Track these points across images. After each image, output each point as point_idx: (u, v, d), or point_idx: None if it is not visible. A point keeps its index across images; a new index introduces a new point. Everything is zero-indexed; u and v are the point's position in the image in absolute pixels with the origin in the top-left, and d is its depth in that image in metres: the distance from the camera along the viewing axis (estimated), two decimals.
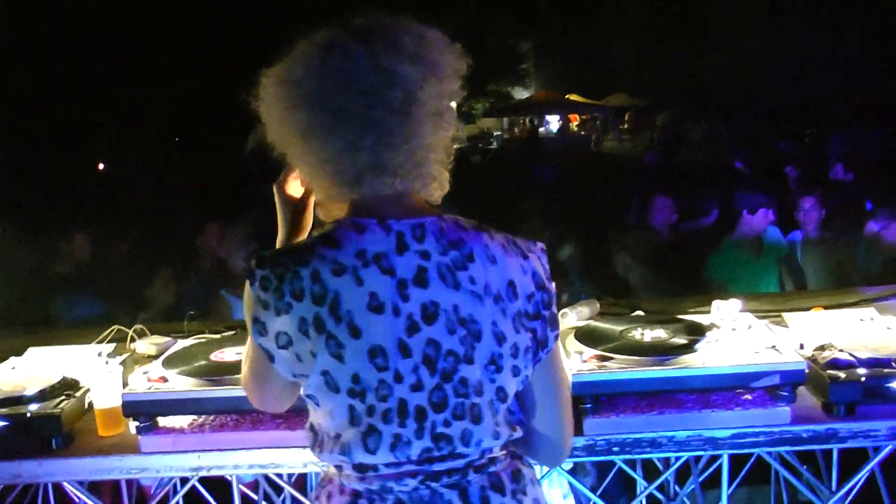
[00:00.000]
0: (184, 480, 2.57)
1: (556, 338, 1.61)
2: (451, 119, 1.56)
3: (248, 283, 1.52)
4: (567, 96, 29.69)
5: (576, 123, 33.31)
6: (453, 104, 1.57)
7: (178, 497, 2.60)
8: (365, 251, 1.48)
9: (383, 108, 1.47)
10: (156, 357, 2.65)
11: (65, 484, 2.39)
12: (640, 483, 3.09)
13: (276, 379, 1.57)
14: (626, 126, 31.62)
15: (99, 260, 5.45)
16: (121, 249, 5.82)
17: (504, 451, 1.61)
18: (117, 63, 15.18)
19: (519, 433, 1.60)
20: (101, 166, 15.09)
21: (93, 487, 2.53)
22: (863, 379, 2.21)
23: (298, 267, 1.47)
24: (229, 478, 2.53)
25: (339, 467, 1.58)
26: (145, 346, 2.92)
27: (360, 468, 1.53)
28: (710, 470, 2.95)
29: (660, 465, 3.04)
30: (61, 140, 13.16)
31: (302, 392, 1.56)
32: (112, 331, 3.04)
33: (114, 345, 2.87)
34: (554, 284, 1.62)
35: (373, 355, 1.46)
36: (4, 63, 12.03)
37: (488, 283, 1.50)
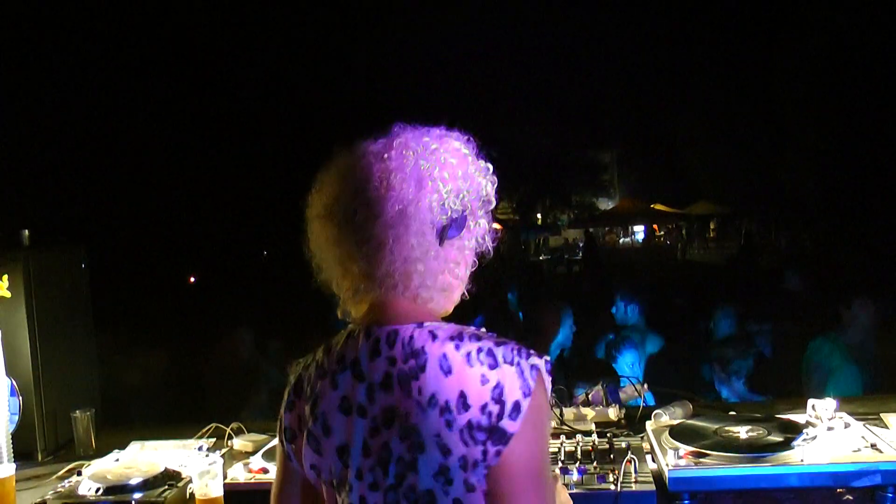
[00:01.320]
0: None
1: (498, 454, 1.47)
2: (456, 233, 1.62)
3: None
4: (652, 206, 29.71)
5: (661, 233, 33.24)
6: (468, 219, 1.63)
7: None
8: (344, 356, 1.59)
9: (379, 220, 1.56)
10: (253, 453, 2.71)
11: None
12: None
13: (294, 481, 1.68)
14: (712, 234, 31.44)
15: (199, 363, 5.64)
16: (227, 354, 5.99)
17: None
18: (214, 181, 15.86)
19: None
20: (192, 279, 15.53)
21: None
22: None
23: (304, 369, 1.66)
24: None
25: None
26: (242, 442, 2.99)
27: None
28: None
29: None
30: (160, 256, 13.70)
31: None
32: (210, 428, 3.12)
33: (213, 440, 2.95)
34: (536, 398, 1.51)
35: (340, 453, 1.56)
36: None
37: (435, 394, 1.49)
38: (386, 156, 1.59)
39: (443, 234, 1.60)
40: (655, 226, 32.71)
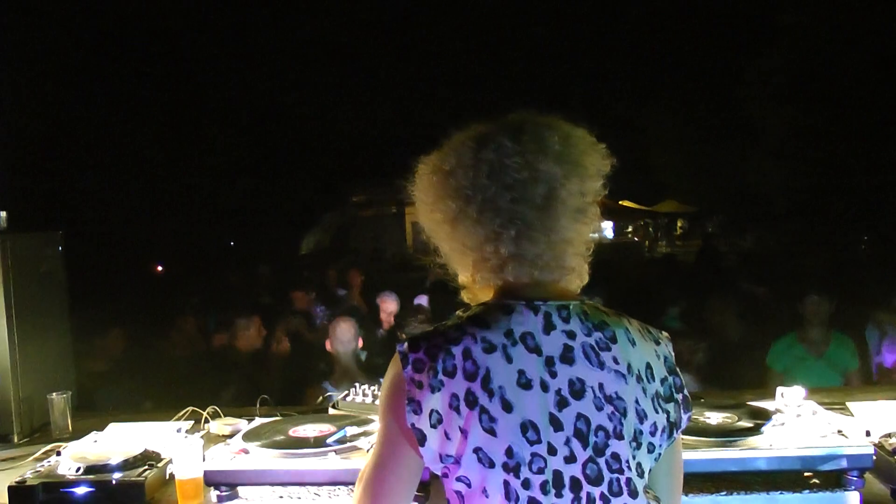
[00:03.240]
0: None
1: (689, 419, 1.66)
2: (591, 215, 1.65)
3: (395, 367, 1.56)
4: (619, 202, 29.88)
5: (629, 230, 33.44)
6: (595, 201, 1.66)
7: None
8: (512, 331, 1.54)
9: (527, 203, 1.57)
10: (229, 437, 2.74)
11: None
12: None
13: (412, 470, 1.57)
14: (678, 232, 31.68)
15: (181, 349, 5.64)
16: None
17: None
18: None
19: None
20: (159, 268, 15.47)
21: None
22: None
23: (450, 345, 1.52)
24: None
25: None
26: (219, 426, 3.01)
27: None
28: None
29: None
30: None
31: (448, 482, 1.56)
32: (187, 411, 3.14)
33: (190, 423, 2.97)
34: None
35: (524, 430, 1.49)
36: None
37: (630, 363, 1.57)
38: (524, 136, 1.59)
39: (581, 216, 1.62)
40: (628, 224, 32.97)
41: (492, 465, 1.49)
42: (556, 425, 1.51)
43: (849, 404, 2.77)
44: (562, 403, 1.52)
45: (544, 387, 1.52)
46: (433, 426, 1.51)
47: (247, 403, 3.34)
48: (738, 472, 2.28)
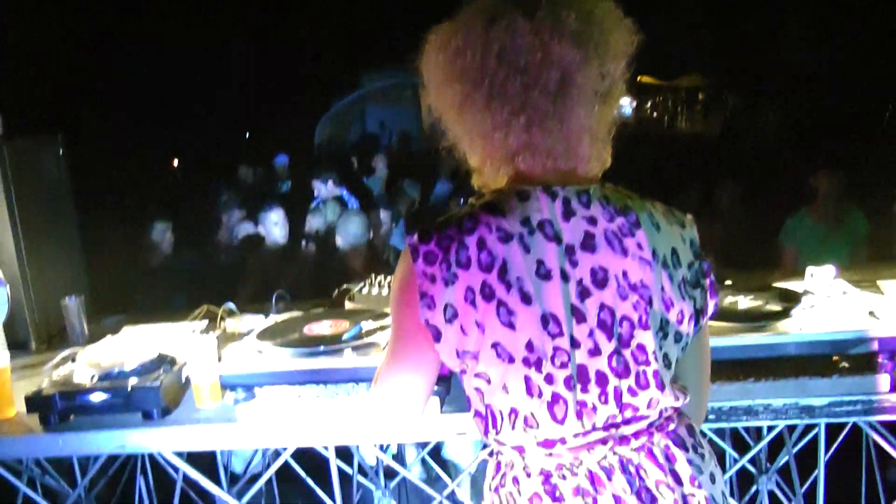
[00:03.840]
0: (276, 453, 2.61)
1: (716, 305, 1.59)
2: (614, 98, 1.52)
3: (405, 260, 1.47)
4: (639, 78, 29.31)
5: (648, 106, 32.97)
6: (618, 82, 1.51)
7: (272, 470, 2.65)
8: (529, 218, 1.44)
9: (539, 89, 1.43)
10: (245, 335, 2.69)
11: (163, 456, 2.44)
12: (730, 454, 3.05)
13: (430, 367, 1.51)
14: (699, 108, 31.20)
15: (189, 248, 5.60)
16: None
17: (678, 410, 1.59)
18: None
19: (689, 399, 1.57)
20: (175, 163, 15.37)
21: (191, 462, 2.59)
22: None
23: (463, 235, 1.42)
24: (323, 451, 2.56)
25: (519, 449, 1.51)
26: (234, 324, 2.97)
27: (547, 443, 1.48)
28: (806, 440, 2.90)
29: (747, 438, 3.00)
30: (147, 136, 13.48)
31: (467, 378, 1.50)
32: (202, 310, 3.10)
33: (205, 322, 2.92)
34: None
35: (545, 322, 1.42)
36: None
37: (655, 249, 1.47)
38: (539, 13, 1.42)
39: (602, 101, 1.48)
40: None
41: (511, 360, 1.43)
42: (579, 317, 1.43)
43: (880, 283, 2.68)
44: (584, 294, 1.43)
45: (565, 277, 1.43)
46: (448, 321, 1.43)
47: (266, 300, 3.29)
48: (767, 357, 2.21)
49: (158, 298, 4.73)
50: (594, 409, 1.45)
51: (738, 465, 2.66)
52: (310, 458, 2.74)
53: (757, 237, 5.22)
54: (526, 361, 1.42)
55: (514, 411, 1.47)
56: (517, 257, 1.42)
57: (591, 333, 1.44)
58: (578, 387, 1.44)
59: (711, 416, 2.20)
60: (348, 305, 2.84)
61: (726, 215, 5.53)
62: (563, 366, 1.43)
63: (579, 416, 1.45)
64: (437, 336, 1.44)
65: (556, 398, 1.44)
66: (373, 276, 2.91)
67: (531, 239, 1.43)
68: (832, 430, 2.93)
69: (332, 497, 2.64)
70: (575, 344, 1.43)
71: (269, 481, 3.13)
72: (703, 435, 1.66)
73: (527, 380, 1.44)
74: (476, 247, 1.42)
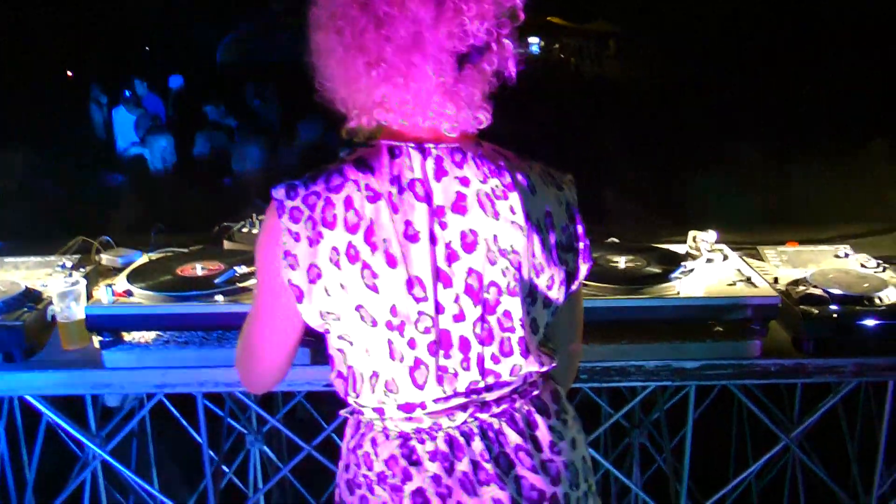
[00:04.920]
0: (149, 396, 2.54)
1: (590, 269, 1.56)
2: (484, 60, 1.41)
3: (271, 215, 1.41)
4: (548, 18, 29.25)
5: (556, 47, 33.07)
6: (491, 44, 1.40)
7: (145, 411, 2.59)
8: (399, 177, 1.38)
9: (392, 44, 1.34)
10: (121, 269, 2.60)
11: (28, 398, 2.35)
12: (606, 410, 3.10)
13: (293, 324, 1.47)
14: (610, 53, 31.42)
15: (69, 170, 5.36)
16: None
17: (543, 375, 1.58)
18: None
19: (555, 363, 1.55)
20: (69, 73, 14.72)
21: (57, 402, 2.49)
22: (835, 315, 2.21)
23: (330, 193, 1.37)
24: (195, 394, 2.50)
25: (379, 411, 1.49)
26: (110, 258, 2.85)
27: (408, 407, 1.46)
28: (676, 399, 2.96)
29: (626, 392, 3.05)
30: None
31: (331, 338, 1.46)
32: (76, 241, 2.96)
33: (78, 256, 2.80)
34: None
35: (410, 286, 1.38)
36: None
37: (528, 213, 1.43)
38: None
39: (461, 62, 1.38)
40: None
41: (375, 323, 1.39)
42: (446, 281, 1.40)
43: (761, 248, 2.72)
44: (452, 257, 1.40)
45: (433, 239, 1.38)
46: (311, 281, 1.39)
47: (146, 231, 3.17)
48: (643, 319, 2.23)
49: (31, 226, 4.53)
50: (455, 374, 1.43)
51: (612, 421, 2.69)
52: (185, 397, 2.68)
53: (647, 191, 5.27)
54: (389, 325, 1.39)
55: (375, 374, 1.44)
56: (385, 218, 1.37)
57: (456, 298, 1.40)
58: (442, 352, 1.41)
59: (584, 376, 2.21)
60: (227, 245, 2.75)
61: (622, 169, 5.57)
62: (427, 331, 1.40)
63: (440, 381, 1.43)
64: (300, 296, 1.40)
65: (417, 363, 1.41)
66: (254, 214, 2.82)
67: (400, 198, 1.38)
68: (706, 389, 3.00)
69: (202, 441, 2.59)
70: (439, 309, 1.40)
71: (143, 418, 3.06)
72: (570, 399, 1.66)
73: (389, 343, 1.41)
74: (343, 206, 1.37)
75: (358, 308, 1.39)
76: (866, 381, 2.40)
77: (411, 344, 1.40)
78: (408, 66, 1.35)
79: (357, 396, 1.48)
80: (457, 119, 1.41)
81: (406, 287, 1.38)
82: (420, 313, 1.39)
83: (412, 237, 1.38)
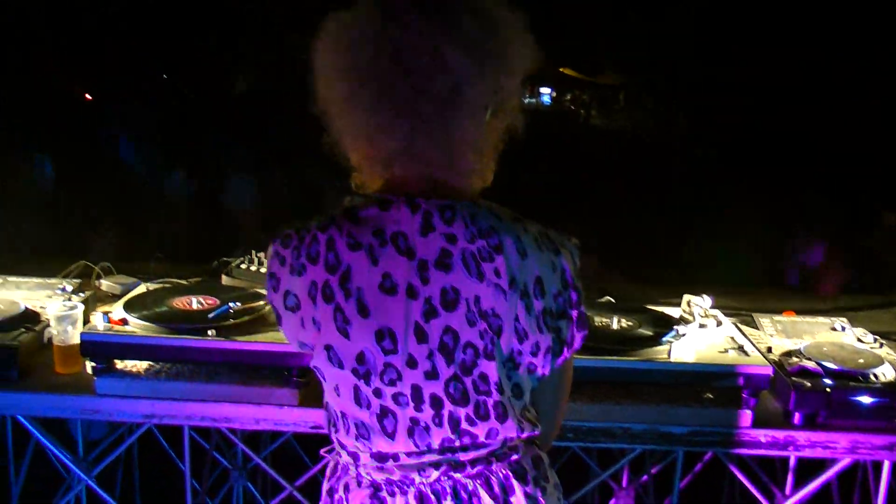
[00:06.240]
0: (138, 425, 2.54)
1: (584, 338, 1.52)
2: (504, 114, 1.46)
3: (271, 243, 1.49)
4: (560, 69, 29.42)
5: (568, 98, 33.24)
6: (513, 97, 1.46)
7: (132, 439, 2.58)
8: (383, 230, 1.40)
9: (428, 95, 1.36)
10: (119, 296, 2.61)
11: (19, 418, 2.36)
12: (594, 470, 3.09)
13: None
14: (620, 105, 31.62)
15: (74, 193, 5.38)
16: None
17: (524, 439, 1.55)
18: None
19: (539, 430, 1.54)
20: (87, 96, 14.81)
21: (48, 425, 2.50)
22: (828, 390, 2.21)
23: (318, 231, 1.42)
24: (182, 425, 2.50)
25: (354, 455, 1.50)
26: (109, 284, 2.88)
27: (380, 457, 1.46)
28: (663, 464, 2.95)
29: (616, 452, 3.04)
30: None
31: (310, 361, 1.49)
32: (78, 266, 2.99)
33: (78, 280, 2.82)
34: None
35: (380, 337, 1.40)
36: None
37: (515, 276, 1.41)
38: (437, 15, 1.35)
39: (491, 112, 1.42)
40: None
41: (341, 366, 1.42)
42: (420, 336, 1.40)
43: (756, 316, 2.73)
44: (430, 313, 1.40)
45: (412, 293, 1.39)
46: (289, 309, 1.46)
47: (147, 259, 3.19)
48: (631, 381, 2.23)
49: (36, 245, 4.55)
50: (427, 428, 1.43)
51: (598, 481, 2.68)
52: (172, 427, 2.68)
53: (645, 251, 5.28)
54: (355, 372, 1.41)
55: (345, 415, 1.47)
56: (362, 267, 1.40)
57: (430, 355, 1.41)
58: (412, 405, 1.42)
59: (570, 434, 2.21)
60: (224, 280, 2.77)
61: (621, 225, 5.58)
62: (392, 383, 1.41)
63: (411, 433, 1.43)
64: (279, 319, 1.50)
65: (385, 411, 1.43)
66: (252, 251, 2.83)
67: (381, 251, 1.40)
68: (696, 455, 2.98)
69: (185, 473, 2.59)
70: (411, 363, 1.41)
71: (129, 447, 3.05)
72: (559, 456, 1.65)
73: (356, 389, 1.43)
74: (325, 246, 1.41)
75: (327, 348, 1.42)
76: (860, 458, 2.39)
77: (377, 393, 1.42)
78: (444, 119, 1.38)
79: (336, 432, 1.51)
80: (479, 173, 1.47)
81: (375, 338, 1.40)
82: (387, 364, 1.41)
83: (389, 289, 1.39)
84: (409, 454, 1.45)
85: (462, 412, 1.43)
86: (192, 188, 5.66)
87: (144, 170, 5.74)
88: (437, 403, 1.42)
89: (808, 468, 2.53)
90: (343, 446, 1.51)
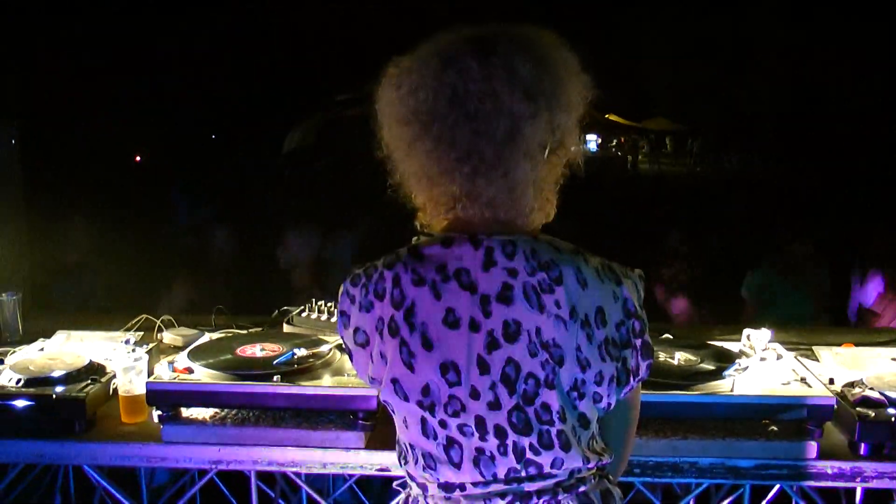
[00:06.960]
0: (202, 473, 2.57)
1: (649, 367, 1.54)
2: (562, 151, 1.50)
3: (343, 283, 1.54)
4: (607, 116, 29.53)
5: (614, 144, 33.22)
6: (569, 135, 1.49)
7: (197, 487, 2.61)
8: (446, 266, 1.44)
9: (487, 138, 1.41)
10: (182, 348, 2.66)
11: (85, 467, 2.40)
12: None
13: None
14: (667, 150, 31.54)
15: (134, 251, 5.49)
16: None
17: (592, 471, 1.55)
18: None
19: (609, 459, 1.55)
20: (137, 158, 15.17)
21: (112, 474, 2.54)
22: (893, 420, 2.18)
23: (384, 269, 1.47)
24: (248, 473, 2.53)
25: (423, 487, 1.52)
26: (172, 336, 2.94)
27: (447, 487, 1.47)
28: (732, 499, 2.90)
29: (678, 490, 3.01)
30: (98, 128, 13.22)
31: (381, 397, 1.52)
32: (140, 319, 3.06)
33: (141, 333, 2.88)
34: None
35: (444, 370, 1.43)
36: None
37: (576, 307, 1.44)
38: (494, 59, 1.39)
39: (549, 150, 1.46)
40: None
41: (407, 399, 1.45)
42: (483, 368, 1.43)
43: (816, 349, 2.71)
44: (492, 345, 1.43)
45: (475, 327, 1.43)
46: (359, 345, 1.52)
47: (208, 311, 3.25)
48: (696, 416, 2.22)
49: (99, 301, 4.65)
50: (492, 458, 1.45)
51: None
52: (236, 475, 2.71)
53: (709, 288, 5.25)
54: (420, 404, 1.44)
55: (413, 447, 1.50)
56: (426, 302, 1.44)
57: (492, 386, 1.43)
58: (476, 435, 1.44)
59: (637, 471, 2.20)
60: (286, 328, 2.81)
61: (678, 264, 5.56)
62: (456, 414, 1.43)
63: (477, 463, 1.45)
64: (350, 355, 1.55)
65: (451, 441, 1.45)
66: (313, 300, 2.88)
67: (444, 286, 1.44)
68: (761, 491, 2.94)
69: None
70: (474, 395, 1.43)
71: (193, 497, 3.08)
72: (623, 495, 1.64)
73: (422, 420, 1.46)
74: (391, 282, 1.46)
75: (394, 381, 1.45)
76: None
77: (442, 424, 1.45)
78: (504, 160, 1.42)
79: (406, 464, 1.53)
80: (541, 209, 1.50)
81: (439, 370, 1.43)
82: (451, 396, 1.43)
83: (452, 323, 1.43)
84: (475, 484, 1.46)
85: (526, 441, 1.44)
86: (247, 242, 5.74)
87: (198, 225, 5.84)
88: (501, 433, 1.44)
89: (876, 500, 2.49)
90: (412, 478, 1.53)
